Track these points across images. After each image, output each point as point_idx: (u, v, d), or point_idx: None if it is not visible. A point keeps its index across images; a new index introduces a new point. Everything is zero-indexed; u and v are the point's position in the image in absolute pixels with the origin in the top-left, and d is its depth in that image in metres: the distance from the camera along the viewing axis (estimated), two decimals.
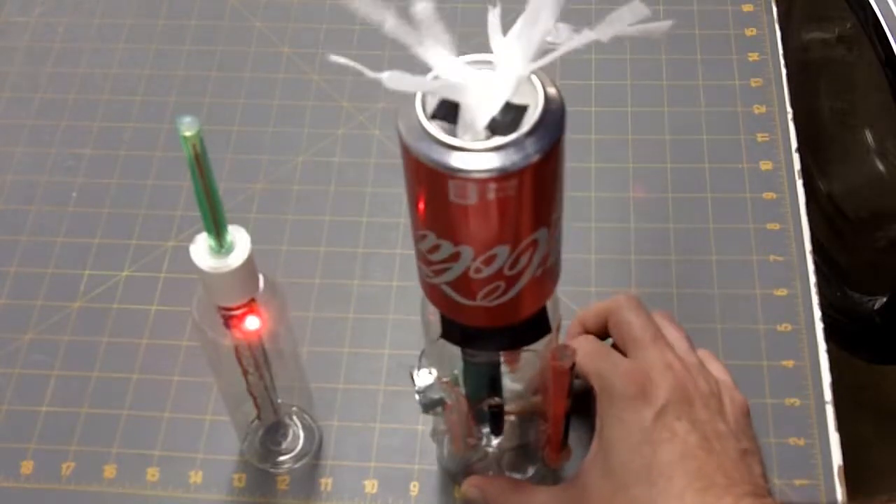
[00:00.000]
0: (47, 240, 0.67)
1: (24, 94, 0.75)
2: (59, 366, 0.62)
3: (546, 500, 0.52)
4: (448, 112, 0.35)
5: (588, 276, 0.64)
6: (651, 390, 0.49)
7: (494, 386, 0.48)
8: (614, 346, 0.53)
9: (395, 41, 0.75)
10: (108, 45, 0.78)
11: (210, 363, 0.52)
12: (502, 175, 0.34)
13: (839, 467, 0.56)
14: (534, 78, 0.35)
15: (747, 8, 0.76)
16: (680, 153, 0.69)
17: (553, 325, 0.44)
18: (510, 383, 0.49)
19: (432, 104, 0.36)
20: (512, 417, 0.52)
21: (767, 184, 0.67)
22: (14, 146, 0.73)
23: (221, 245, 0.43)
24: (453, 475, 0.56)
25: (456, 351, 0.45)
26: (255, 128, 0.72)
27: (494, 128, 0.35)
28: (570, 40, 0.34)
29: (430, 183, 0.35)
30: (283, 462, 0.58)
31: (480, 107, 0.34)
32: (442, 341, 0.44)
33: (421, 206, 0.37)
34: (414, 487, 0.57)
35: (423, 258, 0.39)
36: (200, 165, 0.40)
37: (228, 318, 0.47)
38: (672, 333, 0.54)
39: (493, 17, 0.35)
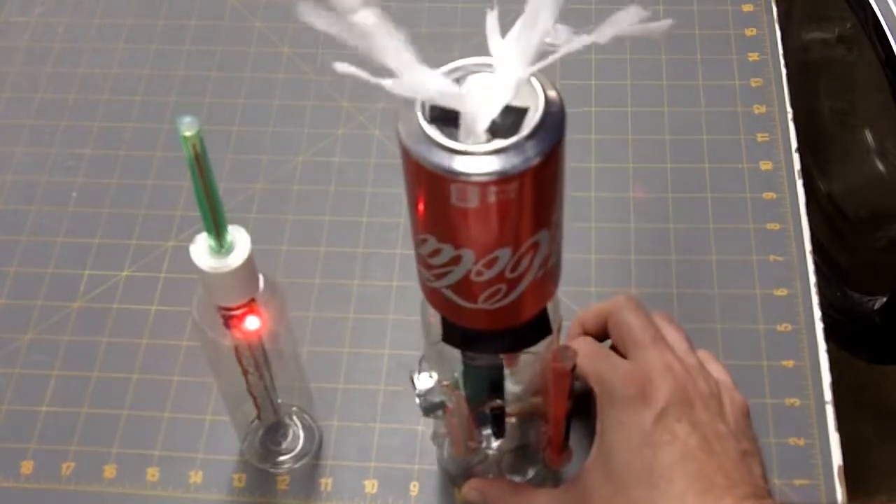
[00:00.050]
0: (47, 240, 0.67)
1: (24, 94, 0.75)
2: (59, 366, 0.62)
3: (546, 502, 0.52)
4: (448, 115, 0.35)
5: (588, 277, 0.64)
6: (651, 392, 0.49)
7: (495, 388, 0.48)
8: (613, 347, 0.53)
9: None
10: (108, 45, 0.78)
11: (210, 363, 0.52)
12: (503, 178, 0.34)
13: (839, 467, 0.56)
14: (534, 80, 0.35)
15: (747, 8, 0.76)
16: (680, 153, 0.69)
17: (554, 326, 0.44)
18: (510, 385, 0.49)
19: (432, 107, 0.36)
20: (512, 419, 0.52)
21: (767, 184, 0.67)
22: (14, 146, 0.73)
23: (221, 245, 0.43)
24: (453, 478, 0.56)
25: (456, 354, 0.45)
26: (255, 128, 0.72)
27: (495, 131, 0.35)
28: (568, 43, 0.34)
29: (431, 186, 0.35)
30: (283, 462, 0.58)
31: (481, 110, 0.34)
32: (442, 344, 0.44)
33: (421, 209, 0.37)
34: (414, 487, 0.57)
35: (424, 262, 0.39)
36: (200, 165, 0.40)
37: (228, 318, 0.47)
38: (672, 334, 0.54)
39: (492, 18, 0.35)
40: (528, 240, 0.37)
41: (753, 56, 0.74)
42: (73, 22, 0.79)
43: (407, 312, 0.63)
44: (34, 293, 0.65)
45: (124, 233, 0.67)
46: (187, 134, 0.38)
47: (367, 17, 0.33)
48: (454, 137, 0.35)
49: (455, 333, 0.43)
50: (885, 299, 1.02)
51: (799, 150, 0.69)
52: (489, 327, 0.41)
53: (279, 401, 0.55)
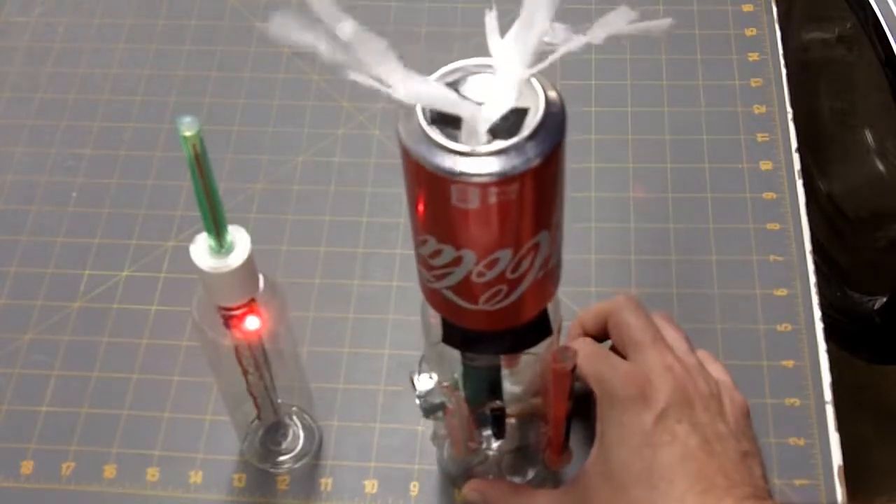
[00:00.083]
0: (47, 240, 0.67)
1: (24, 94, 0.75)
2: (59, 366, 0.62)
3: (546, 502, 0.52)
4: (449, 115, 0.35)
5: (588, 277, 0.64)
6: (651, 393, 0.49)
7: (495, 389, 0.48)
8: (613, 348, 0.53)
9: (395, 41, 0.74)
10: (108, 45, 0.78)
11: (210, 363, 0.52)
12: (504, 179, 0.34)
13: (839, 467, 0.56)
14: (534, 81, 0.35)
15: (747, 8, 0.76)
16: (680, 153, 0.69)
17: (554, 327, 0.44)
18: (510, 386, 0.49)
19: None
20: (512, 420, 0.51)
21: (767, 184, 0.67)
22: (14, 146, 0.73)
23: (221, 245, 0.43)
24: (454, 478, 0.56)
25: (456, 354, 0.45)
26: (255, 128, 0.72)
27: (495, 131, 0.35)
28: (565, 44, 0.34)
29: (432, 187, 0.35)
30: (283, 462, 0.58)
31: (483, 115, 0.34)
32: (442, 345, 0.44)
33: (422, 210, 0.37)
34: (414, 487, 0.57)
35: (424, 263, 0.39)
36: (200, 165, 0.40)
37: (228, 318, 0.47)
38: (671, 335, 0.54)
39: (491, 19, 0.35)
40: (529, 241, 0.37)
41: (753, 56, 0.74)
42: (73, 22, 0.79)
43: (407, 312, 0.63)
44: (34, 293, 0.65)
45: (124, 233, 0.67)
46: (187, 134, 0.38)
47: (347, 29, 0.33)
48: (455, 138, 0.35)
49: (455, 334, 0.43)
50: (885, 299, 1.02)
51: (799, 150, 0.69)
52: (489, 328, 0.41)
53: (279, 401, 0.55)
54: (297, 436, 0.58)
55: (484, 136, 0.35)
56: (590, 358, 0.51)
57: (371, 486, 0.57)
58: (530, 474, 0.55)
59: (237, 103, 0.73)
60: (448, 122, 0.35)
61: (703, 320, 0.62)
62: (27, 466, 0.58)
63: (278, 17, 0.33)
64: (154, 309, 0.64)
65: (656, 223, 0.66)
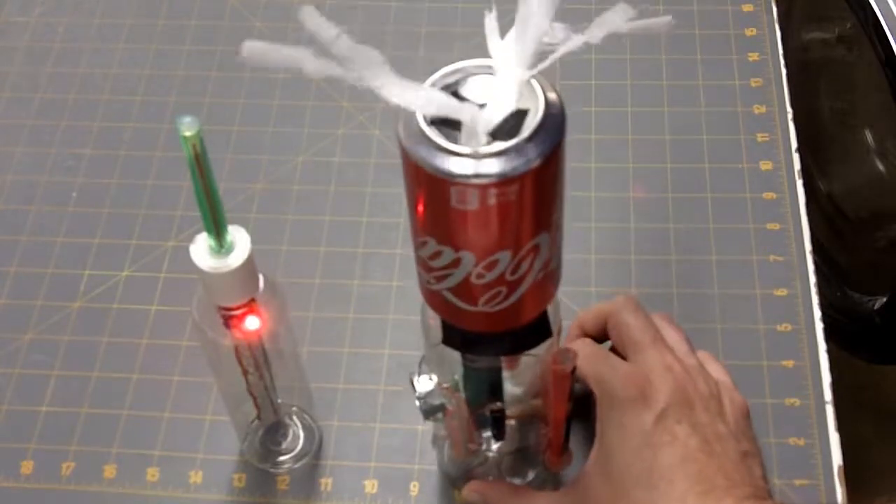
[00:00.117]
0: (47, 240, 0.67)
1: (24, 94, 0.75)
2: (59, 366, 0.62)
3: None
4: (448, 117, 0.35)
5: (588, 277, 0.64)
6: (651, 394, 0.49)
7: (495, 391, 0.48)
8: (613, 348, 0.53)
9: (395, 41, 0.75)
10: (108, 45, 0.78)
11: (210, 363, 0.52)
12: (504, 180, 0.34)
13: (839, 467, 0.56)
14: (534, 82, 0.35)
15: (747, 8, 0.76)
16: (680, 153, 0.69)
17: (554, 328, 0.44)
18: (510, 387, 0.49)
19: None
20: (512, 421, 0.51)
21: (767, 184, 0.67)
22: (14, 146, 0.73)
23: (221, 245, 0.43)
24: (453, 480, 0.56)
25: (456, 356, 0.45)
26: (255, 128, 0.72)
27: (495, 133, 0.35)
28: (564, 44, 0.34)
29: (431, 189, 0.35)
30: (283, 462, 0.58)
31: (483, 119, 0.34)
32: (442, 346, 0.44)
33: (421, 212, 0.37)
34: (414, 487, 0.57)
35: (424, 264, 0.39)
36: (200, 165, 0.40)
37: (228, 318, 0.47)
38: (671, 335, 0.54)
39: (490, 20, 0.35)
40: (529, 242, 0.37)
41: (753, 56, 0.74)
42: (73, 22, 0.79)
43: (407, 312, 0.63)
44: (34, 293, 0.65)
45: (124, 233, 0.67)
46: (187, 134, 0.38)
47: (343, 42, 0.33)
48: (454, 139, 0.35)
49: (455, 336, 0.43)
50: (885, 299, 1.02)
51: (799, 150, 0.69)
52: (489, 330, 0.41)
53: (279, 401, 0.55)
54: (297, 436, 0.58)
55: (484, 138, 0.35)
56: (589, 359, 0.51)
57: (371, 486, 0.57)
58: (530, 476, 0.55)
59: (237, 103, 0.73)
60: (448, 123, 0.35)
61: (703, 320, 0.62)
62: (27, 466, 0.58)
63: (248, 45, 0.33)
64: (154, 309, 0.64)
65: (656, 223, 0.66)
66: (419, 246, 0.39)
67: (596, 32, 0.34)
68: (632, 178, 0.68)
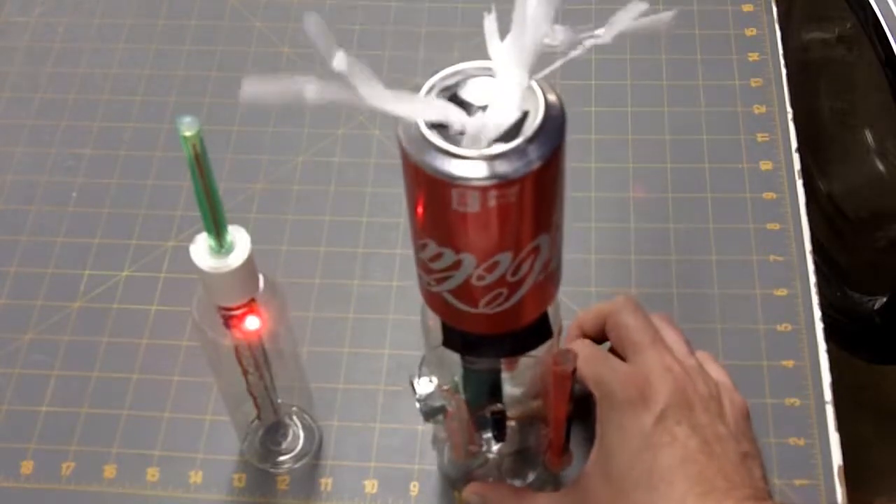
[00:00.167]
0: (47, 240, 0.67)
1: (24, 94, 0.75)
2: (59, 366, 0.62)
3: None
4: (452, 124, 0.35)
5: (588, 277, 0.64)
6: (650, 395, 0.48)
7: (495, 392, 0.48)
8: (612, 349, 0.53)
9: (395, 41, 0.75)
10: (108, 45, 0.78)
11: (210, 363, 0.52)
12: (504, 182, 0.34)
13: (839, 467, 0.56)
14: (534, 84, 0.35)
15: (747, 8, 0.76)
16: (680, 153, 0.69)
17: (554, 329, 0.44)
18: (510, 388, 0.49)
19: None
20: (512, 423, 0.51)
21: (767, 184, 0.67)
22: (14, 146, 0.73)
23: (221, 245, 0.43)
24: (454, 482, 0.56)
25: (456, 358, 0.45)
26: (255, 128, 0.72)
27: None
28: (572, 50, 0.34)
29: (431, 191, 0.35)
30: (283, 462, 0.58)
31: (486, 128, 0.34)
32: (442, 348, 0.44)
33: (422, 214, 0.37)
34: (414, 487, 0.57)
35: (424, 266, 0.39)
36: (200, 165, 0.40)
37: (228, 318, 0.47)
38: (671, 336, 0.54)
39: (490, 21, 0.34)
40: (529, 244, 0.37)
41: (753, 56, 0.74)
42: (73, 22, 0.79)
43: (407, 312, 0.63)
44: (34, 293, 0.65)
45: (124, 233, 0.67)
46: (187, 134, 0.38)
47: (343, 61, 0.33)
48: (454, 141, 0.34)
49: (455, 338, 0.43)
50: (885, 299, 1.02)
51: (799, 150, 0.69)
52: (490, 331, 0.41)
53: (279, 401, 0.55)
54: (297, 436, 0.58)
55: (486, 143, 0.34)
56: (589, 360, 0.51)
57: (371, 486, 0.57)
58: (530, 477, 0.55)
59: (237, 103, 0.73)
60: (447, 124, 0.35)
61: (703, 320, 0.62)
62: (27, 466, 0.58)
63: (248, 83, 0.33)
64: (154, 309, 0.64)
65: (656, 223, 0.66)
66: (419, 248, 0.39)
67: (609, 33, 0.34)
68: (632, 178, 0.68)
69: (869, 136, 1.11)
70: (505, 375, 0.48)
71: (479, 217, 0.35)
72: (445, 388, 0.47)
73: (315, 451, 0.58)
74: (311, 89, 0.33)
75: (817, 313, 0.62)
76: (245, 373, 0.51)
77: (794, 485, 0.56)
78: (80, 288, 0.65)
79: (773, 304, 0.62)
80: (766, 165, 0.68)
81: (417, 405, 0.47)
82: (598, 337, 0.55)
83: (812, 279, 0.63)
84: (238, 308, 0.46)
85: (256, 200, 0.68)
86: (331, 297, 0.64)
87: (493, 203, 0.35)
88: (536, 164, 0.34)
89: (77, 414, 0.60)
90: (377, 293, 0.64)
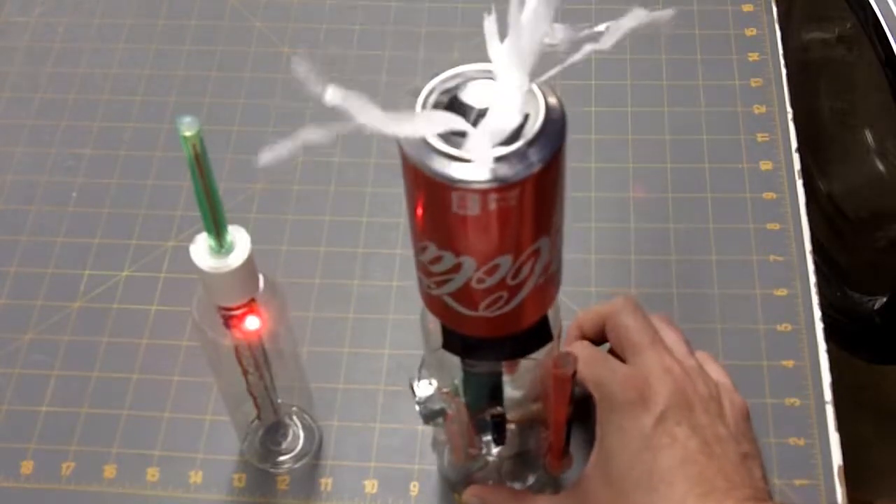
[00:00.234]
0: (47, 240, 0.67)
1: (24, 94, 0.75)
2: (59, 366, 0.62)
3: None
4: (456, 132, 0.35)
5: (588, 277, 0.64)
6: (650, 396, 0.48)
7: (495, 395, 0.48)
8: (611, 350, 0.53)
9: (395, 41, 0.75)
10: (108, 45, 0.78)
11: (210, 363, 0.52)
12: (504, 185, 0.34)
13: (839, 467, 0.56)
14: (534, 87, 0.35)
15: (747, 8, 0.76)
16: (680, 153, 0.69)
17: (554, 332, 0.44)
18: (510, 391, 0.49)
19: None
20: (512, 425, 0.51)
21: (767, 184, 0.67)
22: (14, 146, 0.73)
23: (221, 245, 0.43)
24: (453, 484, 0.56)
25: (456, 360, 0.45)
26: (255, 128, 0.72)
27: None
28: (572, 54, 0.34)
29: (432, 194, 0.35)
30: (283, 462, 0.58)
31: (489, 136, 0.34)
32: (442, 351, 0.44)
33: (421, 217, 0.37)
34: (414, 487, 0.57)
35: (424, 269, 0.39)
36: (200, 165, 0.40)
37: (228, 318, 0.47)
38: (670, 336, 0.54)
39: (490, 23, 0.34)
40: (530, 247, 0.37)
41: (753, 56, 0.74)
42: (73, 22, 0.79)
43: (407, 312, 0.63)
44: (34, 293, 0.65)
45: (124, 233, 0.67)
46: (187, 134, 0.38)
47: (336, 94, 0.33)
48: (454, 144, 0.34)
49: (455, 341, 0.43)
50: (885, 299, 1.02)
51: (799, 150, 0.69)
52: (490, 335, 0.41)
53: (279, 401, 0.55)
54: (297, 436, 0.58)
55: (488, 147, 0.34)
56: (588, 362, 0.50)
57: (371, 486, 0.57)
58: (530, 480, 0.55)
59: (237, 103, 0.73)
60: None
61: (703, 320, 0.62)
62: (27, 466, 0.58)
63: (262, 156, 0.33)
64: (154, 309, 0.64)
65: (656, 223, 0.66)
66: (419, 251, 0.39)
67: (607, 39, 0.34)
68: (632, 178, 0.68)
69: (869, 136, 1.11)
70: (505, 378, 0.47)
71: (480, 220, 0.35)
72: (445, 390, 0.47)
73: (315, 451, 0.58)
74: (316, 135, 0.33)
75: (817, 313, 0.62)
76: (245, 373, 0.51)
77: (794, 485, 0.56)
78: (80, 288, 0.65)
79: (773, 304, 0.62)
80: (766, 165, 0.68)
81: (417, 408, 0.47)
82: (598, 338, 0.55)
83: (812, 279, 0.63)
84: (238, 308, 0.46)
85: (256, 200, 0.68)
86: (331, 297, 0.64)
87: (493, 206, 0.35)
88: (537, 168, 0.34)
89: (77, 414, 0.60)
90: (377, 293, 0.64)
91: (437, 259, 0.38)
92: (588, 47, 0.34)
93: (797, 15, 1.11)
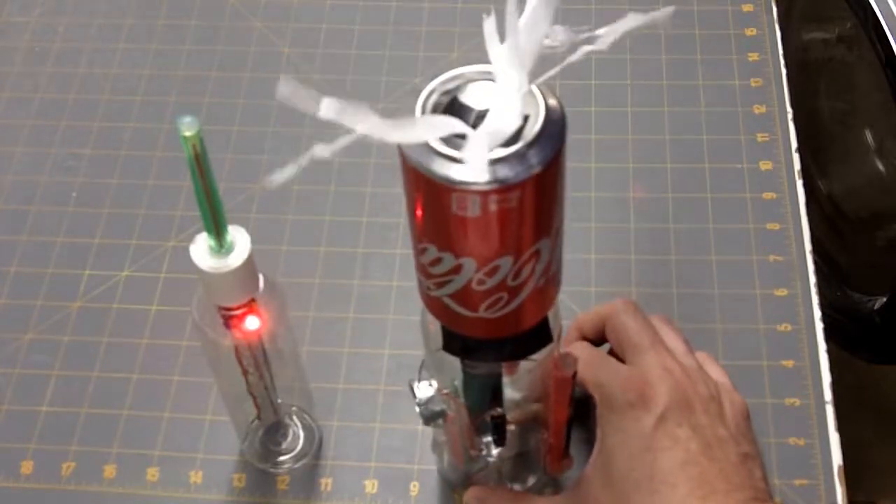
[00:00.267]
0: (47, 240, 0.67)
1: (24, 94, 0.75)
2: (59, 366, 0.62)
3: None
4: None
5: (588, 277, 0.64)
6: (651, 397, 0.48)
7: (495, 396, 0.48)
8: (611, 351, 0.53)
9: (395, 41, 0.74)
10: (108, 45, 0.78)
11: (210, 363, 0.52)
12: (504, 187, 0.34)
13: (839, 467, 0.56)
14: (534, 88, 0.35)
15: (747, 8, 0.76)
16: (680, 153, 0.69)
17: (554, 333, 0.44)
18: (510, 392, 0.49)
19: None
20: (512, 426, 0.51)
21: (767, 184, 0.67)
22: (14, 146, 0.73)
23: (221, 245, 0.43)
24: (453, 485, 0.56)
25: (456, 362, 0.45)
26: (255, 128, 0.72)
27: None
28: (571, 55, 0.34)
29: (432, 196, 0.35)
30: (283, 462, 0.58)
31: (489, 140, 0.34)
32: (442, 352, 0.44)
33: (421, 218, 0.37)
34: (414, 487, 0.57)
35: (424, 271, 0.39)
36: (200, 165, 0.40)
37: (228, 318, 0.47)
38: (670, 337, 0.54)
39: (489, 24, 0.34)
40: (530, 248, 0.37)
41: (753, 56, 0.74)
42: (73, 22, 0.79)
43: (407, 312, 0.63)
44: (34, 293, 0.65)
45: (124, 233, 0.67)
46: (187, 134, 0.38)
47: (330, 108, 0.33)
48: (455, 145, 0.34)
49: (455, 342, 0.43)
50: (885, 299, 1.02)
51: (799, 150, 0.69)
52: (490, 336, 0.41)
53: (279, 401, 0.55)
54: (297, 436, 0.58)
55: (486, 147, 0.34)
56: (588, 363, 0.50)
57: (371, 486, 0.57)
58: (531, 481, 0.55)
59: (237, 103, 0.73)
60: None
61: (703, 320, 0.62)
62: (27, 466, 0.58)
63: (274, 176, 0.34)
64: (154, 309, 0.64)
65: (656, 223, 0.66)
66: (419, 253, 0.39)
67: (604, 41, 0.34)
68: (632, 178, 0.68)
69: (869, 136, 1.11)
70: (505, 379, 0.47)
71: (480, 221, 0.35)
72: (445, 391, 0.47)
73: (315, 451, 0.58)
74: (324, 151, 0.34)
75: (817, 313, 0.62)
76: (245, 373, 0.51)
77: (794, 485, 0.56)
78: (80, 288, 0.65)
79: (773, 304, 0.62)
80: (766, 165, 0.68)
81: (417, 409, 0.47)
82: (598, 339, 0.55)
83: (812, 279, 0.63)
84: (238, 308, 0.46)
85: (256, 200, 0.68)
86: (331, 297, 0.64)
87: (493, 208, 0.34)
88: (537, 169, 0.34)
89: (77, 414, 0.60)
90: (377, 293, 0.64)
91: (438, 261, 0.38)
92: (585, 48, 0.34)
93: (797, 15, 1.11)
